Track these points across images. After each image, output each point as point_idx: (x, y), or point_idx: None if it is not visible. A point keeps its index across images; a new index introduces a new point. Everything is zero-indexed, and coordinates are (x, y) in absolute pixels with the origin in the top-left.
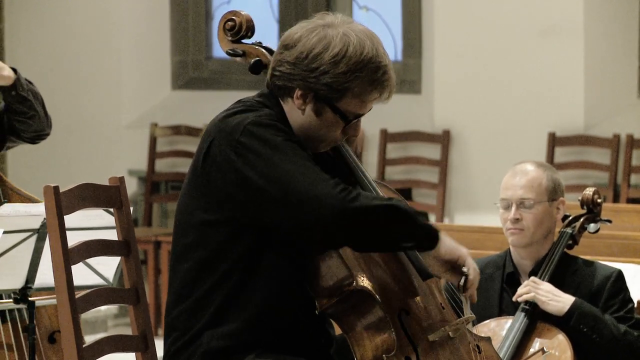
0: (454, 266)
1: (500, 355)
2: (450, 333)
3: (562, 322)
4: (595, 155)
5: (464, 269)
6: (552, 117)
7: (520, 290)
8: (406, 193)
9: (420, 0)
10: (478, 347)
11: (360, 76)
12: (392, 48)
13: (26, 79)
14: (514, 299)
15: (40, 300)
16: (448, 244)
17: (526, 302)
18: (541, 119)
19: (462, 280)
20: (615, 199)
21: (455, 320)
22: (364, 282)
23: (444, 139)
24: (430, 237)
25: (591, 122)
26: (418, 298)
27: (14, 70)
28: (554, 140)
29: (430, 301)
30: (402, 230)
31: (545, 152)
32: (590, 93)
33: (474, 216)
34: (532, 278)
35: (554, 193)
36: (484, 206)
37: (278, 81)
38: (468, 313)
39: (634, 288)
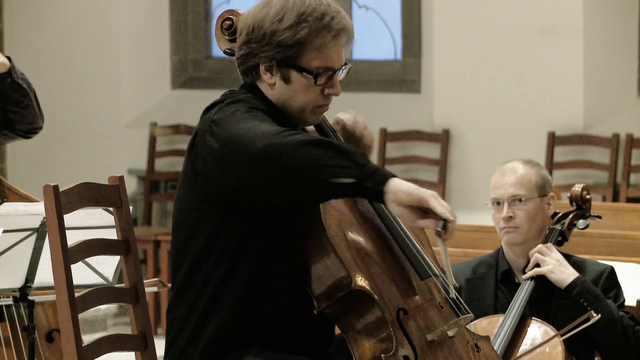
0: (426, 211)
1: (495, 348)
2: (449, 332)
3: (561, 294)
4: (594, 155)
5: (441, 213)
6: (551, 117)
7: (532, 256)
8: None
9: None
10: (477, 345)
11: (307, 26)
12: (391, 47)
13: (19, 69)
14: (524, 277)
15: (39, 297)
16: (406, 187)
17: (531, 278)
18: (541, 118)
19: (441, 225)
20: (615, 198)
21: (454, 320)
22: (362, 282)
23: (443, 138)
24: (374, 178)
25: (591, 122)
26: (416, 297)
27: (8, 58)
28: (554, 140)
29: (428, 300)
30: (330, 164)
31: (544, 152)
32: (589, 92)
33: (474, 215)
34: (546, 244)
35: (543, 189)
36: (484, 205)
37: (243, 66)
38: (450, 274)
39: (634, 287)
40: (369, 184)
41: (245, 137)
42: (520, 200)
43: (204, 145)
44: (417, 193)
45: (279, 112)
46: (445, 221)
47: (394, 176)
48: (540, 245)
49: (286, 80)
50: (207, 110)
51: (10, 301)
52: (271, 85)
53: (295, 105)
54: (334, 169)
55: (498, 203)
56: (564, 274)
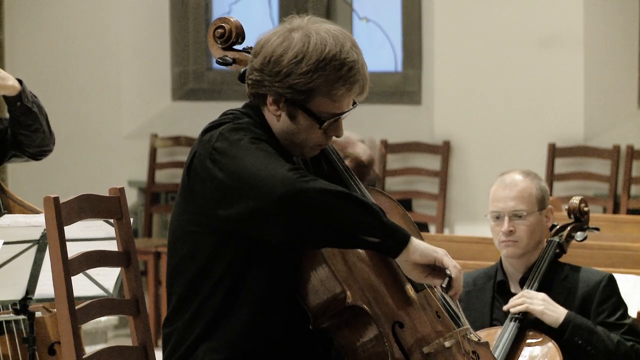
0: (435, 269)
1: None
2: (445, 343)
3: (556, 333)
4: (595, 166)
5: (447, 271)
6: (552, 128)
7: (512, 302)
8: (406, 204)
9: (420, 11)
10: (475, 353)
11: (324, 74)
12: (392, 59)
13: (31, 92)
14: (504, 308)
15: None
16: (422, 248)
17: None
18: (541, 130)
19: (446, 282)
20: (616, 209)
21: (451, 331)
22: (357, 297)
23: (444, 149)
24: (396, 238)
25: (591, 133)
26: (412, 310)
27: (19, 81)
28: (554, 151)
29: (424, 312)
30: (358, 221)
31: (545, 163)
32: (590, 104)
33: (474, 227)
34: (525, 291)
35: (543, 202)
36: (484, 217)
37: (252, 89)
38: (459, 311)
39: (635, 299)
40: (391, 244)
41: (259, 176)
42: (521, 214)
43: (203, 171)
44: (432, 254)
45: (277, 140)
46: (450, 278)
47: (409, 235)
48: (519, 294)
49: (292, 117)
50: (206, 131)
51: (10, 317)
52: (276, 117)
53: (296, 141)
54: (361, 226)
55: (498, 217)
56: (555, 313)
